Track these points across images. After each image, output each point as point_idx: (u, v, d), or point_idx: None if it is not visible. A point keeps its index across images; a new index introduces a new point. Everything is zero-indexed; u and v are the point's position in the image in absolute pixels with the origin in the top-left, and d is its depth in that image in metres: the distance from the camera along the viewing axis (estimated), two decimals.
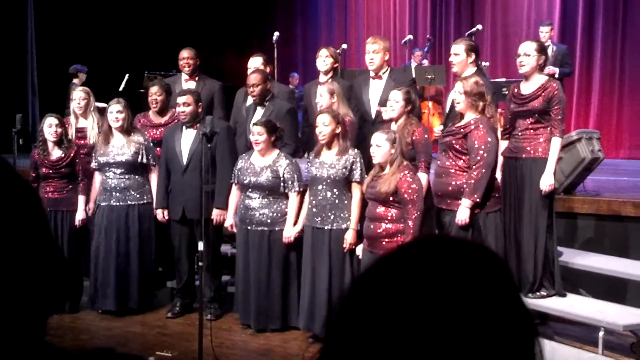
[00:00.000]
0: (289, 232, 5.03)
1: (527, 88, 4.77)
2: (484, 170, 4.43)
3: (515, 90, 4.84)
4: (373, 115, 5.45)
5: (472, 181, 4.43)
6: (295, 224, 5.05)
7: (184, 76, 6.29)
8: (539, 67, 4.74)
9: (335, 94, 5.21)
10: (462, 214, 4.45)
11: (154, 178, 5.58)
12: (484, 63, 9.30)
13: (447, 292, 0.71)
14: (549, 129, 4.68)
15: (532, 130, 4.73)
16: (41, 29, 10.57)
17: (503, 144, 4.91)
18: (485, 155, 4.43)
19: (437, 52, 11.39)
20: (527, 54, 4.71)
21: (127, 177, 5.51)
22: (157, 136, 5.77)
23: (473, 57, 5.03)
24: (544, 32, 8.19)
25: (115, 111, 5.46)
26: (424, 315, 0.70)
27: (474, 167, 4.44)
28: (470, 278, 0.72)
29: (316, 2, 13.00)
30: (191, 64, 6.23)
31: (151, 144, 5.61)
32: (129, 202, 5.50)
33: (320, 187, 4.89)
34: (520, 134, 4.78)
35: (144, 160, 5.53)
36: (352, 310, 0.74)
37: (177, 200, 5.43)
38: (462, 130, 4.51)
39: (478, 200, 4.43)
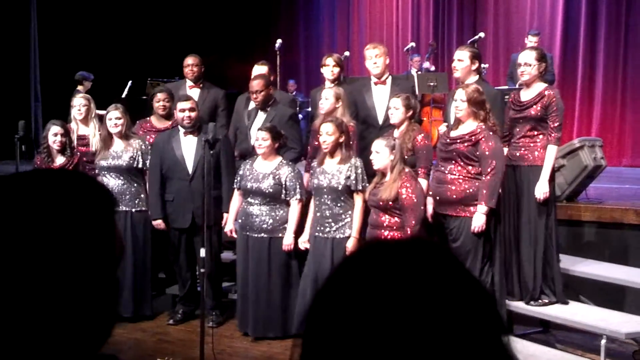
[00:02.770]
0: (289, 240, 5.02)
1: (526, 95, 4.79)
2: (497, 177, 4.48)
3: (515, 97, 4.86)
4: (380, 120, 5.44)
5: (488, 188, 4.46)
6: (296, 232, 5.05)
7: (189, 82, 6.29)
8: (540, 74, 4.76)
9: (340, 99, 5.21)
10: (479, 220, 4.47)
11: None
12: (483, 65, 9.32)
13: (400, 289, 0.73)
14: (546, 136, 4.69)
15: (529, 138, 4.74)
16: (44, 35, 10.61)
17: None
18: (497, 162, 4.48)
19: (440, 59, 11.41)
20: (527, 64, 4.72)
21: (123, 182, 5.49)
22: None
23: (476, 64, 5.05)
24: (532, 42, 8.22)
25: (114, 117, 5.47)
26: (382, 314, 0.72)
27: (488, 174, 4.47)
28: (425, 275, 0.75)
29: (319, 10, 13.03)
30: (195, 71, 6.24)
31: (149, 149, 5.56)
32: (123, 209, 5.45)
33: (322, 195, 4.89)
34: (518, 141, 4.79)
35: (140, 165, 5.51)
36: (320, 311, 0.77)
37: (185, 208, 5.35)
38: (471, 137, 4.53)
39: (494, 206, 4.47)
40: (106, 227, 0.93)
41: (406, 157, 4.73)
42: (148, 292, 5.64)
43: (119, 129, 5.47)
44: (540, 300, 4.79)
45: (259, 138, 5.04)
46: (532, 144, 4.73)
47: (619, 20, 10.06)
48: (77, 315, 0.88)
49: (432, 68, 10.02)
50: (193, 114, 5.32)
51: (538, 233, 4.73)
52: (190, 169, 5.36)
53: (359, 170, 4.83)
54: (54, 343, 0.87)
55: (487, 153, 4.48)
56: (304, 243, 5.01)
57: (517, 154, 4.77)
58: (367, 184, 4.77)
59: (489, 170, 4.48)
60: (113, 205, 0.96)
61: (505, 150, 4.88)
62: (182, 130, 5.41)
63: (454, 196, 4.57)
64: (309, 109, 7.48)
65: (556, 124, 4.66)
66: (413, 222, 4.44)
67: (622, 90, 10.07)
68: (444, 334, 0.72)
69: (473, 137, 4.53)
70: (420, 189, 4.60)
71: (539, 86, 4.76)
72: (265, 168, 5.09)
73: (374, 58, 5.51)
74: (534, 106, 4.70)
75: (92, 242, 0.90)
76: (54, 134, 5.41)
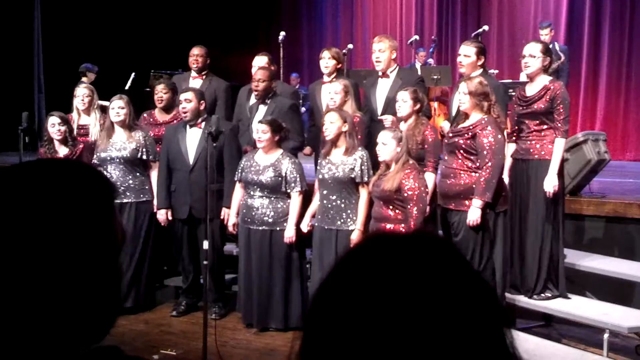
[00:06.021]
0: (290, 232, 5.03)
1: (531, 90, 4.76)
2: (493, 171, 4.44)
3: (520, 92, 4.84)
4: (378, 112, 5.45)
5: (483, 182, 4.43)
6: (297, 224, 5.05)
7: (193, 73, 6.31)
8: (544, 68, 4.73)
9: (348, 91, 5.20)
10: (474, 215, 4.45)
11: (154, 175, 5.56)
12: (491, 71, 9.31)
13: (401, 282, 0.74)
14: (553, 130, 4.67)
15: (538, 132, 4.71)
16: (48, 27, 10.60)
17: (511, 147, 4.91)
18: (494, 155, 4.44)
19: (443, 52, 11.37)
20: (532, 55, 4.69)
21: (128, 173, 5.49)
22: (160, 134, 5.77)
23: (482, 59, 5.05)
24: (544, 35, 8.14)
25: (117, 107, 5.46)
26: (383, 307, 0.73)
27: (484, 167, 4.44)
28: (426, 268, 0.75)
29: (322, 2, 13.00)
30: (199, 62, 6.25)
31: (152, 141, 5.58)
32: (126, 200, 5.45)
33: (327, 187, 4.89)
34: (526, 136, 4.76)
35: (144, 157, 5.51)
36: (321, 303, 0.77)
37: (184, 200, 5.40)
38: (470, 130, 4.51)
39: (489, 200, 4.44)
40: (106, 216, 0.93)
41: (415, 149, 4.73)
42: (149, 282, 5.65)
43: (121, 118, 5.46)
44: (542, 295, 4.78)
45: (259, 131, 5.04)
46: (540, 138, 4.69)
47: (623, 14, 10.02)
48: (78, 305, 0.88)
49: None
50: (189, 106, 5.32)
51: (545, 227, 4.71)
52: (191, 161, 5.37)
53: (365, 162, 4.82)
54: (55, 333, 0.87)
55: (484, 146, 4.45)
56: (304, 225, 5.01)
57: (526, 148, 4.74)
58: (373, 175, 4.76)
59: (485, 163, 4.44)
60: (112, 194, 0.96)
61: (514, 146, 4.87)
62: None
63: (454, 189, 4.55)
64: (309, 102, 7.48)
65: (562, 117, 4.63)
66: (416, 214, 4.42)
67: (626, 84, 10.04)
68: (445, 327, 0.72)
69: (472, 130, 4.50)
70: (424, 181, 4.58)
71: (543, 79, 4.73)
72: (265, 160, 5.09)
73: (377, 52, 5.48)
74: (540, 100, 4.67)
75: (92, 231, 0.90)
76: (51, 125, 5.43)
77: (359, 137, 5.03)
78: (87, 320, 0.89)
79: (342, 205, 4.85)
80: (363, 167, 4.80)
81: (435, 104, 8.65)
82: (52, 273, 0.86)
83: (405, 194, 4.43)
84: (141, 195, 5.53)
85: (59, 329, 0.87)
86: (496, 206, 4.54)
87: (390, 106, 5.26)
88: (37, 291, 0.86)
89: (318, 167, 5.03)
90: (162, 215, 5.47)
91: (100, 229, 0.92)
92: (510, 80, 7.91)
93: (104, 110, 6.00)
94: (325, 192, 4.92)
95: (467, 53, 5.01)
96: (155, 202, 5.52)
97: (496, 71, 9.25)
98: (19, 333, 0.86)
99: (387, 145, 4.49)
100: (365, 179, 4.80)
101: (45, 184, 0.90)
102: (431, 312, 0.72)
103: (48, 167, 0.95)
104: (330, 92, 5.22)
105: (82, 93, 5.93)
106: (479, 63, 5.03)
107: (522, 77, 8.24)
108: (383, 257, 0.76)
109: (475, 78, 4.64)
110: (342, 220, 4.84)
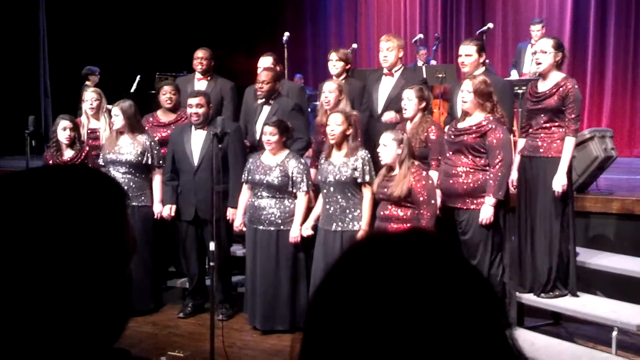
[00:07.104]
0: (296, 232, 5.02)
1: (543, 86, 4.73)
2: (505, 169, 4.46)
3: (532, 88, 4.82)
4: (379, 111, 5.46)
5: (495, 180, 4.44)
6: (302, 224, 5.04)
7: (197, 75, 6.31)
8: (557, 64, 4.70)
9: (342, 91, 5.22)
10: (487, 212, 4.45)
11: (157, 179, 5.56)
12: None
13: (399, 281, 0.73)
14: (563, 128, 4.65)
15: (546, 129, 4.69)
16: (53, 31, 10.63)
17: (520, 143, 4.90)
18: (505, 154, 4.47)
19: (448, 50, 11.35)
20: (544, 51, 4.66)
21: (129, 177, 5.50)
22: (165, 136, 5.77)
23: (483, 57, 5.05)
24: (536, 31, 8.12)
25: (114, 114, 5.51)
26: (381, 307, 0.72)
27: (496, 166, 4.45)
28: (423, 267, 0.75)
29: (326, 3, 12.99)
30: (205, 64, 6.26)
31: (157, 146, 5.58)
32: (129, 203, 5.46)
33: (330, 189, 4.89)
34: (535, 132, 4.74)
35: (150, 162, 5.52)
36: (320, 304, 0.77)
37: (189, 201, 5.42)
38: (479, 129, 4.51)
39: (502, 198, 4.46)
40: (118, 222, 0.93)
41: (418, 148, 4.73)
42: (150, 286, 5.59)
43: (117, 125, 5.47)
44: (551, 293, 4.77)
45: (267, 133, 5.04)
46: (549, 136, 4.67)
47: (629, 11, 9.97)
48: (90, 311, 0.88)
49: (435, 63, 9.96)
50: (200, 110, 5.33)
51: (553, 225, 4.69)
52: (195, 162, 5.38)
53: (366, 162, 4.81)
54: (66, 338, 0.87)
55: (494, 144, 4.46)
56: (306, 230, 5.00)
57: (535, 145, 4.72)
58: (375, 176, 4.75)
59: (496, 162, 4.46)
60: (124, 200, 0.96)
61: (523, 141, 4.86)
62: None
63: (463, 188, 4.55)
64: (316, 103, 7.48)
65: (573, 115, 4.60)
66: (428, 215, 4.42)
67: (632, 80, 9.99)
68: (444, 324, 0.71)
69: (480, 129, 4.51)
70: (432, 181, 4.58)
71: (556, 76, 4.69)
72: (272, 160, 5.10)
73: (385, 51, 5.50)
74: (551, 97, 4.64)
75: (104, 237, 0.90)
76: (62, 129, 5.46)
77: (359, 138, 5.03)
78: (98, 325, 0.89)
79: (346, 206, 4.85)
80: (365, 167, 4.80)
81: (438, 102, 8.63)
82: (64, 279, 0.86)
83: (416, 197, 4.43)
84: (140, 200, 5.50)
85: (71, 334, 0.87)
86: (506, 204, 4.56)
87: (391, 105, 5.27)
88: (48, 297, 0.86)
89: (319, 169, 5.03)
90: (166, 210, 5.46)
91: (112, 236, 0.92)
92: (516, 78, 7.89)
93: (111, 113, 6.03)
94: (327, 194, 4.91)
95: (468, 52, 5.02)
96: (154, 207, 5.52)
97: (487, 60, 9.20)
98: (31, 338, 0.86)
99: (387, 147, 4.49)
100: (367, 179, 4.79)
101: (57, 191, 0.90)
102: (430, 310, 0.71)
103: (59, 173, 0.95)
104: (324, 91, 5.24)
105: (90, 97, 5.96)
106: (481, 60, 5.04)
107: (513, 75, 8.25)
108: (380, 256, 0.76)
109: (479, 77, 4.63)
110: (346, 222, 4.84)
